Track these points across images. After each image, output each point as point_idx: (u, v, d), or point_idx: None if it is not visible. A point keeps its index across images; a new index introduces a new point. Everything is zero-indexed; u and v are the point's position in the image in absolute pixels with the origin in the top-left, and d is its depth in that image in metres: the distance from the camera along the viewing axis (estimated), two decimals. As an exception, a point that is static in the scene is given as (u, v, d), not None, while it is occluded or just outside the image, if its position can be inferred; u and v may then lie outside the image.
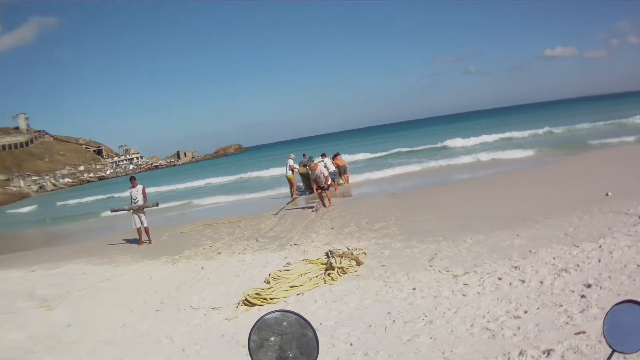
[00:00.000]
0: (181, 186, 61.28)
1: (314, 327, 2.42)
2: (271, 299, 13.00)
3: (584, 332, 7.98)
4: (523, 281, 10.99)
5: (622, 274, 10.27)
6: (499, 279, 11.54)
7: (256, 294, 13.20)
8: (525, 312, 9.26)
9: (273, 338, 2.21)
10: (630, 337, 2.22)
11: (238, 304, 13.29)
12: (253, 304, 12.93)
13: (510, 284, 11.07)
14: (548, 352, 7.45)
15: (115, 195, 59.34)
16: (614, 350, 2.21)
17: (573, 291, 9.87)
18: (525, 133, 60.13)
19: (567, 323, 8.51)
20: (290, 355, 2.25)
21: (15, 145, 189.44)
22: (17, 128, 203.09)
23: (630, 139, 40.37)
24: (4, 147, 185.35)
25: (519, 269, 11.81)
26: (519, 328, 8.38)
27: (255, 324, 2.25)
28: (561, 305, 9.26)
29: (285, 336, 2.23)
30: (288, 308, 11.69)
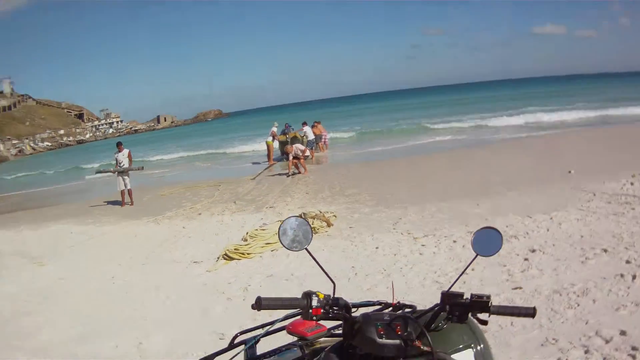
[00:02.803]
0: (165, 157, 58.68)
1: (310, 225, 3.43)
2: (248, 254, 13.85)
3: (520, 288, 9.06)
4: None
5: (566, 243, 11.22)
6: (454, 241, 12.52)
7: (235, 249, 14.05)
8: (473, 269, 9.99)
9: (286, 227, 3.27)
10: (487, 248, 3.19)
11: (218, 258, 14.14)
12: (232, 258, 13.78)
13: (463, 246, 11.97)
14: None
15: (83, 166, 57.03)
16: (477, 254, 3.20)
17: (518, 254, 10.87)
18: (506, 109, 60.11)
19: (507, 280, 9.59)
20: (297, 237, 3.30)
21: None
22: (1, 92, 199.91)
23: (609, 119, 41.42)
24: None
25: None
26: (464, 282, 9.10)
27: (283, 221, 3.30)
28: (505, 266, 10.27)
29: (295, 227, 3.29)
30: (264, 261, 13.28)
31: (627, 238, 10.94)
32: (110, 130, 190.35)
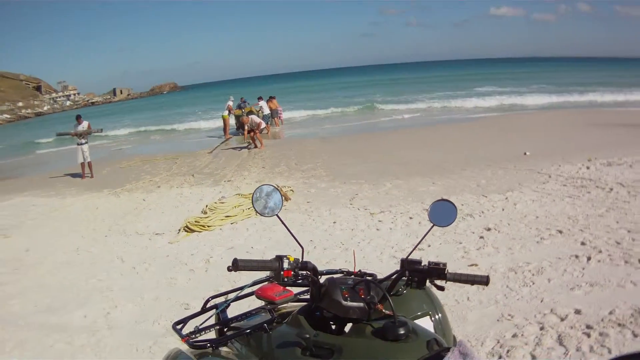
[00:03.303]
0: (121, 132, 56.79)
1: (281, 192, 3.67)
2: (208, 226, 13.97)
3: (476, 265, 9.24)
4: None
5: (521, 223, 11.45)
6: (410, 218, 12.75)
7: (195, 221, 14.17)
8: (429, 245, 10.31)
9: (259, 194, 3.49)
10: (443, 219, 3.33)
11: (179, 230, 14.25)
12: (192, 230, 13.92)
13: (419, 223, 12.21)
14: None
15: (38, 140, 54.95)
16: (433, 224, 3.34)
17: (474, 232, 11.08)
18: (463, 89, 61.05)
19: (463, 257, 9.77)
20: (269, 204, 3.52)
21: None
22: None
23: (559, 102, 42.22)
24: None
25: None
26: (420, 257, 9.34)
27: (257, 188, 3.53)
28: (461, 243, 10.48)
29: (266, 194, 3.52)
30: (224, 233, 13.41)
31: (582, 220, 11.14)
32: (68, 103, 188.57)
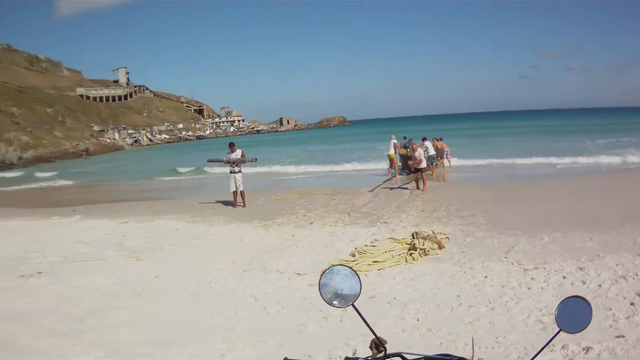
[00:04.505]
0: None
1: (360, 277, 3.40)
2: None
3: (623, 336, 8.72)
4: (584, 282, 11.62)
5: None
6: (564, 277, 12.21)
7: (340, 264, 13.90)
8: None
9: (333, 279, 3.29)
10: (574, 322, 3.11)
11: (322, 272, 14.03)
12: None
13: (572, 283, 11.74)
14: (587, 349, 8.14)
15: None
16: (560, 329, 3.13)
17: (625, 298, 10.50)
18: (629, 136, 58.32)
19: (611, 326, 9.25)
20: (342, 292, 3.29)
21: (114, 98, 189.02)
22: (116, 81, 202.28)
23: None
24: (102, 99, 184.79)
25: (583, 270, 12.40)
26: None
27: (326, 270, 3.33)
28: (610, 309, 9.94)
29: (340, 279, 3.32)
30: (369, 280, 12.95)
31: None
32: (232, 129, 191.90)
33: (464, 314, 10.55)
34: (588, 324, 3.09)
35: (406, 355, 3.10)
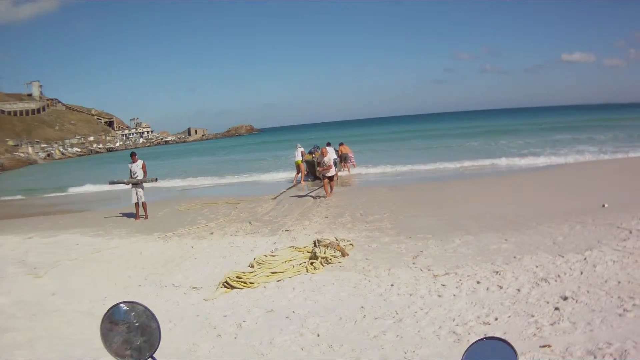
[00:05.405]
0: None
1: (158, 320, 2.60)
2: (251, 283, 12.98)
3: (549, 346, 7.93)
4: (501, 287, 10.97)
5: (601, 290, 10.14)
6: (478, 282, 11.50)
7: (237, 277, 13.17)
8: (496, 319, 9.22)
9: (122, 326, 2.41)
10: None
11: (218, 285, 13.31)
12: (233, 287, 12.92)
13: (487, 288, 11.03)
14: None
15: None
16: None
17: (548, 302, 9.80)
18: (536, 137, 60.46)
19: (534, 335, 8.48)
20: (136, 342, 2.48)
21: (27, 112, 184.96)
22: (30, 95, 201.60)
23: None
24: (15, 113, 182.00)
25: (499, 274, 11.79)
26: (485, 334, 8.20)
27: (107, 312, 2.40)
28: (533, 316, 9.21)
29: (132, 325, 2.42)
30: (267, 292, 12.47)
31: None
32: (141, 140, 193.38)
33: (369, 327, 9.74)
34: None
35: None
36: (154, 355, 2.52)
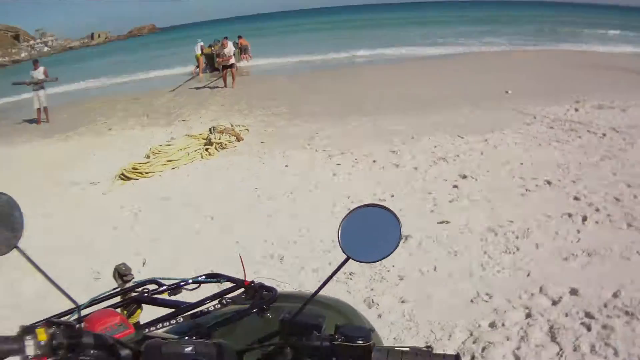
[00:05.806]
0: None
1: (20, 208, 2.25)
2: (146, 172, 12.78)
3: (447, 222, 7.83)
4: (397, 165, 10.95)
5: (502, 170, 10.18)
6: (374, 161, 11.51)
7: (132, 168, 12.93)
8: (392, 195, 9.15)
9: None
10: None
11: (114, 178, 12.99)
12: (129, 178, 12.67)
13: (383, 167, 11.02)
14: (406, 238, 7.26)
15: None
16: (348, 257, 1.69)
17: (446, 180, 9.79)
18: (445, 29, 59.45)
19: (432, 211, 8.41)
20: (2, 233, 2.19)
21: None
22: None
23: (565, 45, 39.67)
24: None
25: (396, 153, 11.78)
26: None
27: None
28: (430, 193, 9.16)
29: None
30: (163, 180, 12.39)
31: (574, 170, 9.94)
32: (45, 49, 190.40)
33: (264, 207, 9.58)
34: (395, 248, 1.78)
35: (162, 281, 2.57)
36: (18, 245, 2.14)
